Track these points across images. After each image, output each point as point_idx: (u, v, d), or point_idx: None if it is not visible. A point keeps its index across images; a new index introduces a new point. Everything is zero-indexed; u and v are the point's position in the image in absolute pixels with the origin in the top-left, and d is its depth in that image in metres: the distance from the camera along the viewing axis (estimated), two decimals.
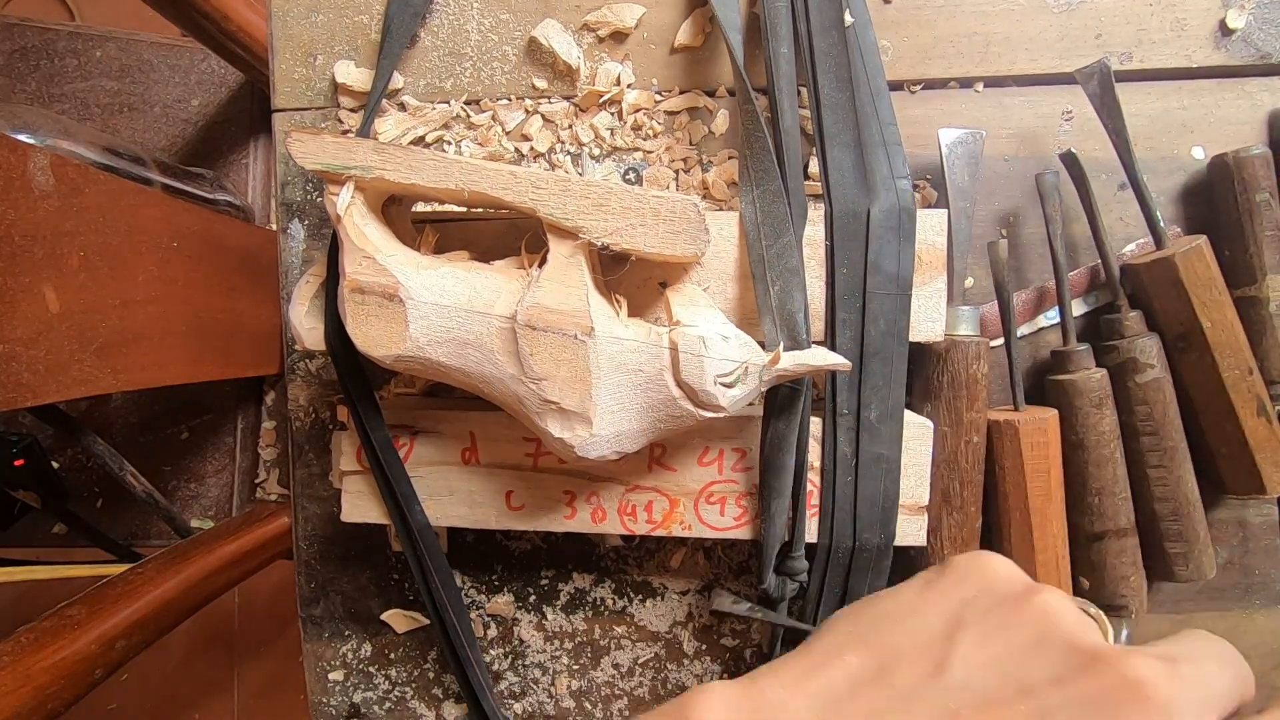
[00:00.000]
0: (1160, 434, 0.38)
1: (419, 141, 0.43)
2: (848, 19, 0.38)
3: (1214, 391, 0.38)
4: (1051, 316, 0.41)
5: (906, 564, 0.39)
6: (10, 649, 0.45)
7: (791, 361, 0.33)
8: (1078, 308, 0.41)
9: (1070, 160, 0.38)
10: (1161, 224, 0.38)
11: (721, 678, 0.44)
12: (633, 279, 0.37)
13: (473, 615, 0.45)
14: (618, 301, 0.35)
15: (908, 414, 0.37)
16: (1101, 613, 0.26)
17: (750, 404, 0.36)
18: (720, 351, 0.32)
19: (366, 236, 0.34)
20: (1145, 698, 0.21)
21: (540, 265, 0.33)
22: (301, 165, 0.33)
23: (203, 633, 1.23)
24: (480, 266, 0.35)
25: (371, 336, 0.34)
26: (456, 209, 0.40)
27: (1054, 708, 0.21)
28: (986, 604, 0.25)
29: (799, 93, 0.39)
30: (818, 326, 0.37)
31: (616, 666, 0.45)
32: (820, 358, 0.34)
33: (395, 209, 0.37)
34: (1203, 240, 0.37)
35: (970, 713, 0.22)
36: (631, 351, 0.33)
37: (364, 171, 0.33)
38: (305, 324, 0.38)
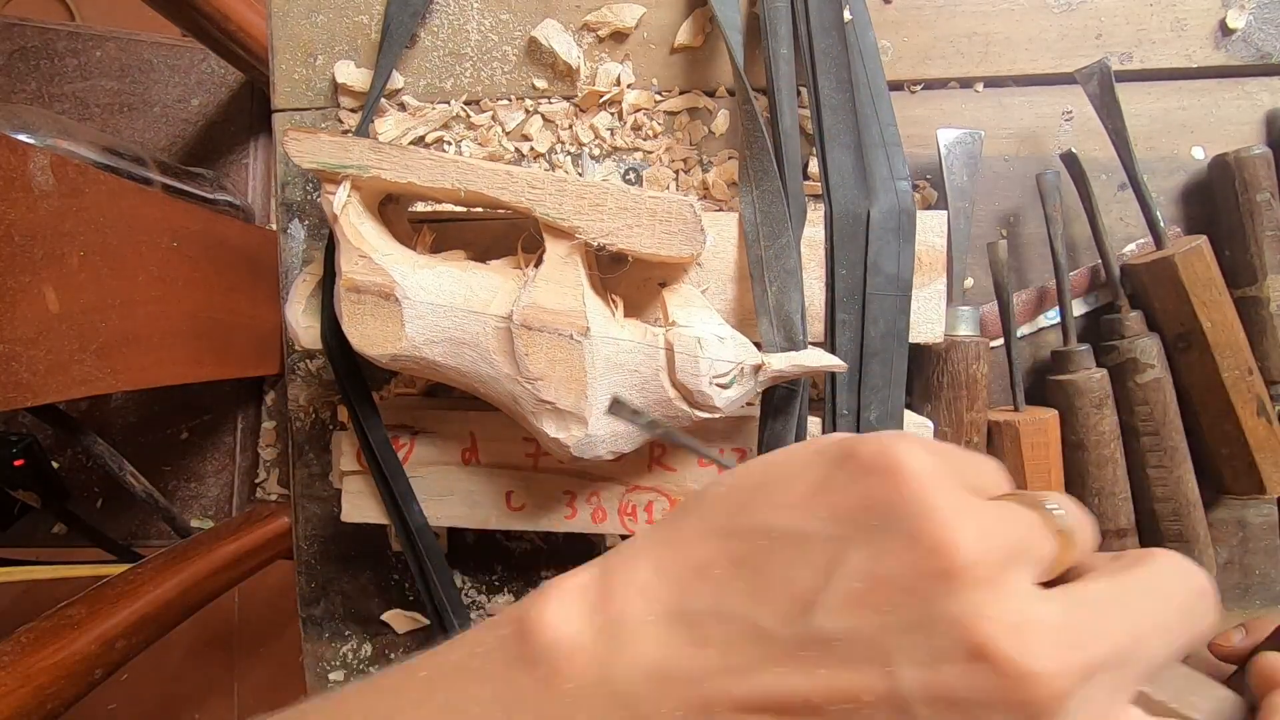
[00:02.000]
0: (1160, 434, 0.38)
1: (419, 141, 0.43)
2: (846, 15, 0.38)
3: (1214, 391, 0.37)
4: (1051, 316, 0.41)
5: None
6: (10, 649, 0.45)
7: (786, 363, 0.33)
8: (1078, 308, 0.40)
9: (1070, 160, 0.38)
10: (1161, 224, 0.38)
11: None
12: (632, 279, 0.37)
13: (473, 615, 0.45)
14: (614, 301, 0.35)
15: (908, 414, 0.37)
16: (1078, 518, 0.20)
17: (749, 403, 0.36)
18: (716, 352, 0.32)
19: (362, 235, 0.34)
20: (1030, 702, 0.17)
21: (536, 265, 0.33)
22: (298, 164, 0.33)
23: (203, 633, 1.23)
24: (476, 266, 0.35)
25: (367, 335, 0.34)
26: (455, 209, 0.40)
27: (914, 701, 0.17)
28: (884, 538, 0.19)
29: (799, 93, 0.39)
30: (818, 327, 0.37)
31: None
32: (815, 359, 0.33)
33: (392, 208, 0.37)
34: (1203, 240, 0.37)
35: (825, 676, 0.18)
36: (627, 352, 0.33)
37: (360, 170, 0.33)
38: (302, 322, 0.38)
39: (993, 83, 0.41)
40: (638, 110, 0.42)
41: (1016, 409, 0.39)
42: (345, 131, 0.43)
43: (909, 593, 0.18)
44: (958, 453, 0.21)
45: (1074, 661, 0.17)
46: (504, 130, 0.43)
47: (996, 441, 0.38)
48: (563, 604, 0.21)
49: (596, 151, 0.43)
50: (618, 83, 0.42)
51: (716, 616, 0.20)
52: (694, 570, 0.20)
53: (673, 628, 0.20)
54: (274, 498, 0.88)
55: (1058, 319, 0.40)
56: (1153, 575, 0.20)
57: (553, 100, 0.43)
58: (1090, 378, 0.38)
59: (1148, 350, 0.37)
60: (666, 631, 0.20)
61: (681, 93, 0.42)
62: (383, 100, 0.43)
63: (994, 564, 0.18)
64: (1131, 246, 0.41)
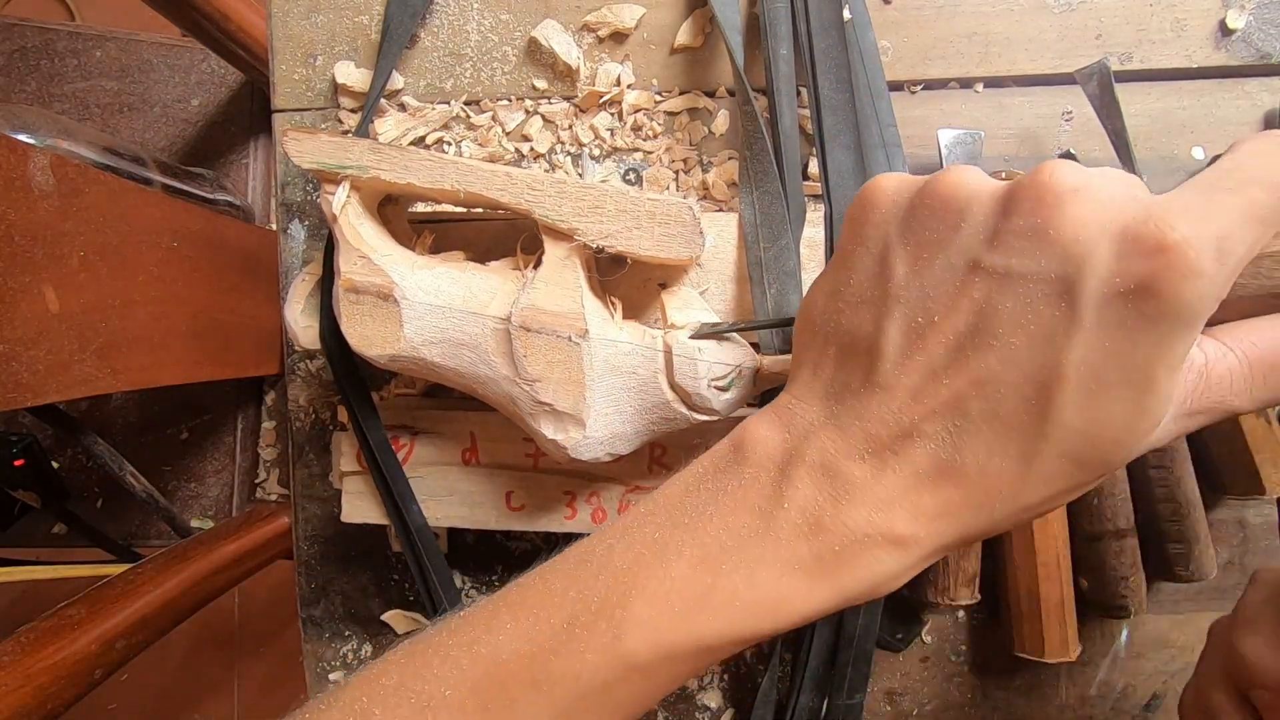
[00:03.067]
0: None
1: (419, 142, 0.43)
2: (846, 15, 0.38)
3: None
4: None
5: None
6: (10, 649, 0.45)
7: (784, 365, 0.33)
8: None
9: None
10: None
11: (722, 677, 0.44)
12: (631, 280, 0.37)
13: None
14: (613, 303, 0.35)
15: None
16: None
17: (749, 404, 0.36)
18: (714, 354, 0.32)
19: (362, 236, 0.34)
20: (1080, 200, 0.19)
21: (535, 266, 0.33)
22: (297, 164, 0.33)
23: (203, 633, 1.23)
24: (475, 267, 0.35)
25: (366, 336, 0.34)
26: (455, 209, 0.40)
27: (1003, 265, 0.20)
28: (896, 218, 0.23)
29: (799, 93, 0.39)
30: None
31: None
32: None
33: (392, 208, 0.37)
34: None
35: (937, 309, 0.22)
36: (626, 354, 0.33)
37: (359, 171, 0.33)
38: (301, 322, 0.38)
39: (993, 83, 0.41)
40: (638, 110, 0.42)
41: None
42: (345, 132, 0.43)
43: (933, 218, 0.22)
44: None
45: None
46: (504, 131, 0.43)
47: None
48: (761, 421, 0.26)
49: (596, 152, 0.43)
50: (618, 83, 0.42)
51: (845, 386, 0.24)
52: (820, 378, 0.25)
53: (826, 404, 0.24)
54: (274, 498, 0.88)
55: None
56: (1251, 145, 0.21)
57: (553, 100, 0.43)
58: None
59: None
60: (824, 405, 0.25)
61: (681, 93, 0.42)
62: (383, 100, 0.43)
63: (956, 167, 0.23)
64: None
